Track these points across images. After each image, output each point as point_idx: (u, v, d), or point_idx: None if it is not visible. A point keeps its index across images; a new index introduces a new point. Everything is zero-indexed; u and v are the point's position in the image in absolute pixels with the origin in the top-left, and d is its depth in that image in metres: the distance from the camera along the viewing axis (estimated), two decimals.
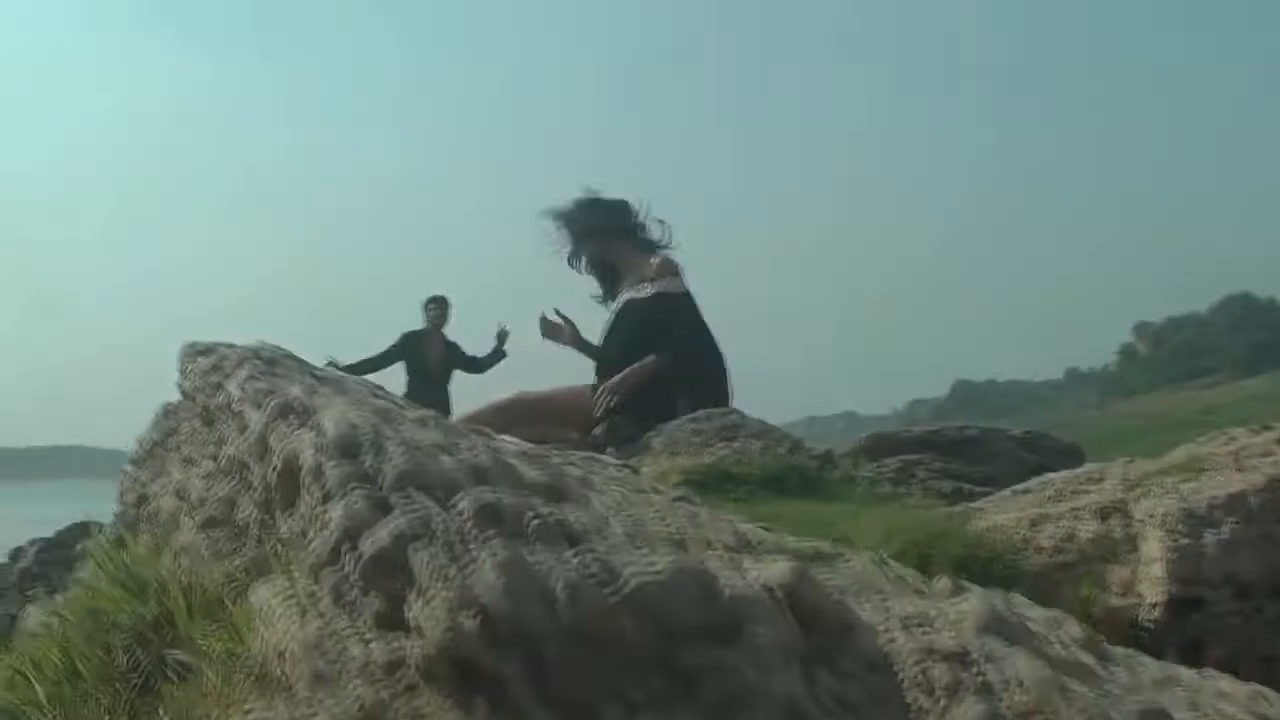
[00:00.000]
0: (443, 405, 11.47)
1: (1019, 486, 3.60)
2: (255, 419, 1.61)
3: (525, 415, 5.02)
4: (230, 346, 1.87)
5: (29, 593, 8.48)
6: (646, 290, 5.01)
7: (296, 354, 2.05)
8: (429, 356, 11.48)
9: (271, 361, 1.77)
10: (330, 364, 11.06)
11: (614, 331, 5.10)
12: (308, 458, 1.65)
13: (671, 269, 5.10)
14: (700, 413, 4.30)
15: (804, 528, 3.24)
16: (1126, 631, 2.92)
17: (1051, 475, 3.63)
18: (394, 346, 11.51)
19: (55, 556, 8.72)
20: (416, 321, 11.67)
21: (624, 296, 5.10)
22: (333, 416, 1.65)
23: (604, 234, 5.25)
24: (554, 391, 5.11)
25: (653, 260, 5.12)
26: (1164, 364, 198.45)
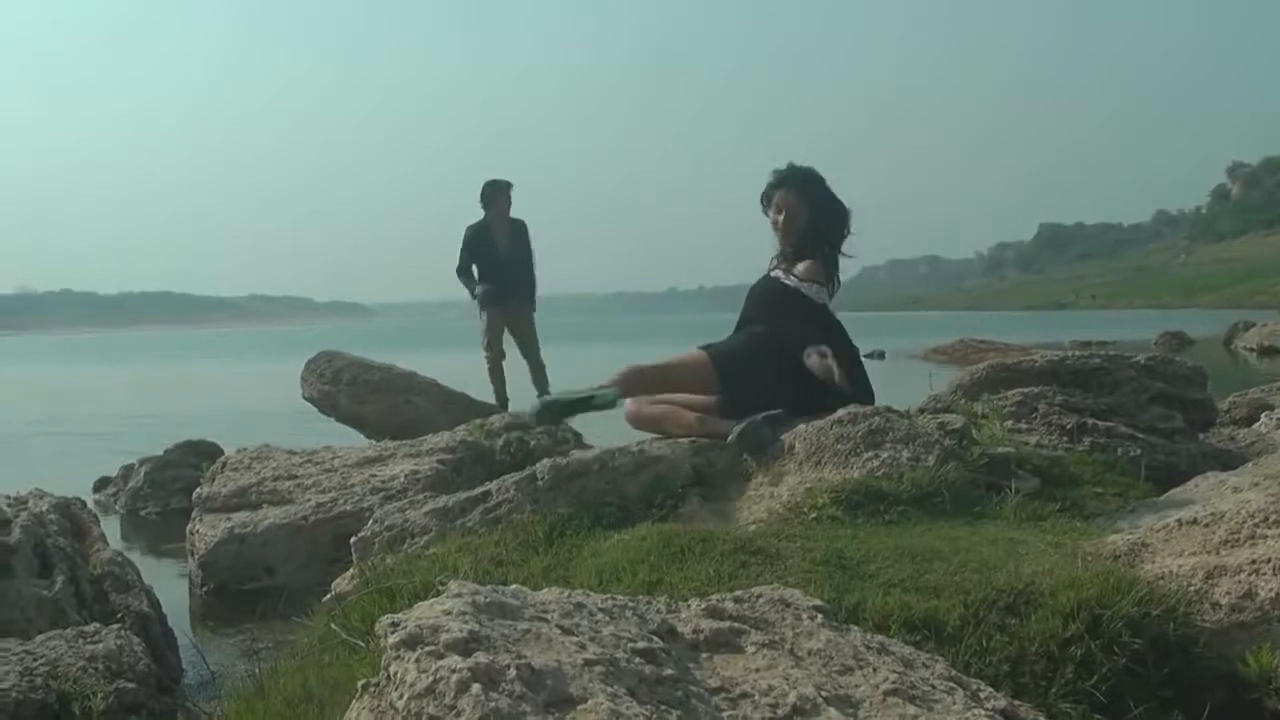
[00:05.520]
0: (520, 289, 11.27)
1: (1185, 515, 3.43)
2: None
3: (646, 385, 4.96)
4: (439, 634, 1.65)
5: (142, 512, 8.76)
6: (809, 289, 4.96)
7: (527, 595, 1.89)
8: (499, 246, 11.19)
9: (493, 675, 1.56)
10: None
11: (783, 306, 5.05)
12: None
13: (822, 278, 5.03)
14: (844, 414, 4.16)
15: (967, 573, 3.16)
16: None
17: (1219, 504, 3.46)
18: (463, 249, 11.29)
19: (164, 476, 8.93)
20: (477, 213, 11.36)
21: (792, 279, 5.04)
22: None
23: (815, 203, 5.12)
24: (672, 361, 5.03)
25: (809, 263, 5.04)
26: (1258, 206, 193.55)
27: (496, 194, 11.18)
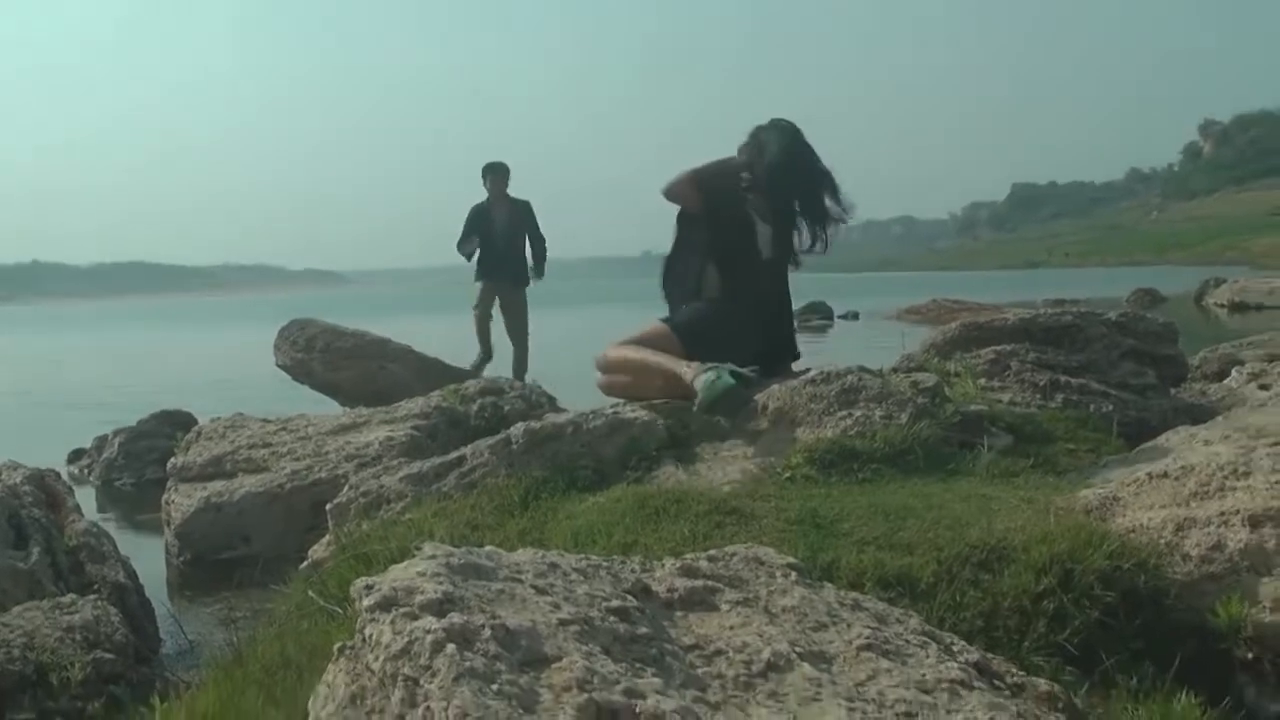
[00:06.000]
0: (515, 269, 11.60)
1: (1155, 469, 3.45)
2: None
3: (621, 363, 4.97)
4: (414, 596, 1.64)
5: (117, 483, 8.73)
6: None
7: (499, 554, 1.91)
8: (496, 225, 11.69)
9: (468, 635, 1.59)
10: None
11: None
12: None
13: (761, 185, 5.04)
14: (817, 373, 4.18)
15: (940, 530, 3.19)
16: None
17: (1189, 457, 3.48)
18: (466, 227, 11.76)
19: (138, 447, 8.89)
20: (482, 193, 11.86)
21: None
22: None
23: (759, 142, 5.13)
24: (640, 335, 5.03)
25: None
26: (1230, 163, 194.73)
27: (491, 176, 11.72)
